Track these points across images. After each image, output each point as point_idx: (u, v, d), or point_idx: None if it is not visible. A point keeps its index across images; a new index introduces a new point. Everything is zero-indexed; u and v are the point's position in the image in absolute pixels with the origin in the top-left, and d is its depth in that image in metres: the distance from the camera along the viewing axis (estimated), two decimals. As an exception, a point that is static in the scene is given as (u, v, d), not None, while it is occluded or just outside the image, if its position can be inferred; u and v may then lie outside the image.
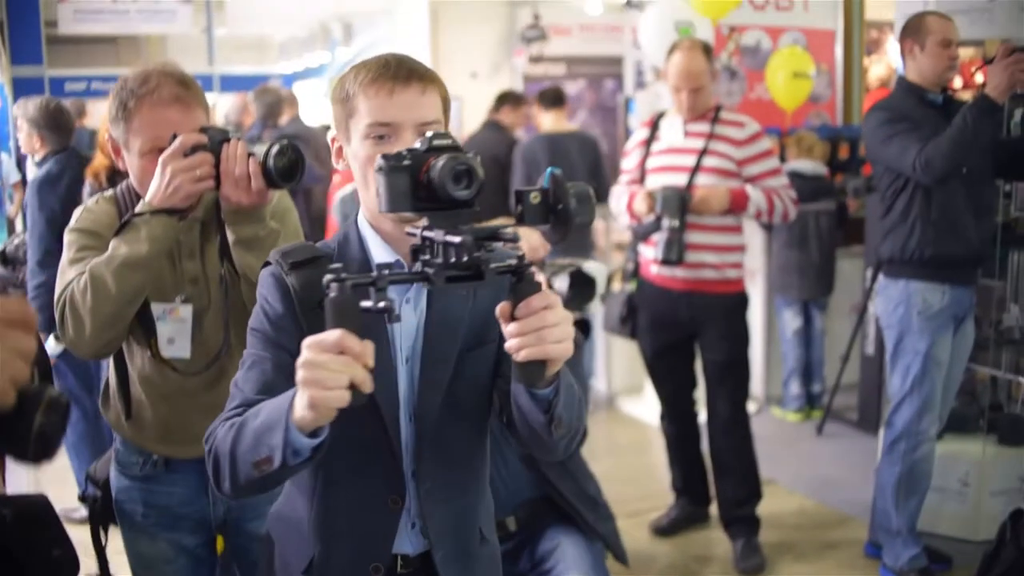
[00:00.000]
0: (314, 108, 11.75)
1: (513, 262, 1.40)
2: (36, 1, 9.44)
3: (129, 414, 2.29)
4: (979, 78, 3.69)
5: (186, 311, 2.20)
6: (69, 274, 2.12)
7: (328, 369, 1.32)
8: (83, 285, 2.05)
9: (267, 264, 1.69)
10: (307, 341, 1.34)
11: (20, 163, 6.30)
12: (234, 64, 14.04)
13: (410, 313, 1.66)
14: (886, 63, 8.11)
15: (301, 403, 1.36)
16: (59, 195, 4.17)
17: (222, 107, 9.64)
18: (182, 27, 10.21)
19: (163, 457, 2.29)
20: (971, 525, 4.22)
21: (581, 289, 2.99)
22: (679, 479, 4.56)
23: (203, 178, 2.05)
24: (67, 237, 2.22)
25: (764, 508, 4.36)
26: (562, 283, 2.95)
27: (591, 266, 3.14)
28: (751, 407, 4.43)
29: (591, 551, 2.89)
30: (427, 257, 1.38)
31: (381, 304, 1.33)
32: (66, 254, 2.19)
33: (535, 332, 1.40)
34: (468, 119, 9.29)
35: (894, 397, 3.87)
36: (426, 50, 10.32)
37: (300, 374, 1.34)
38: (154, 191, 2.06)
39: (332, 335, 1.32)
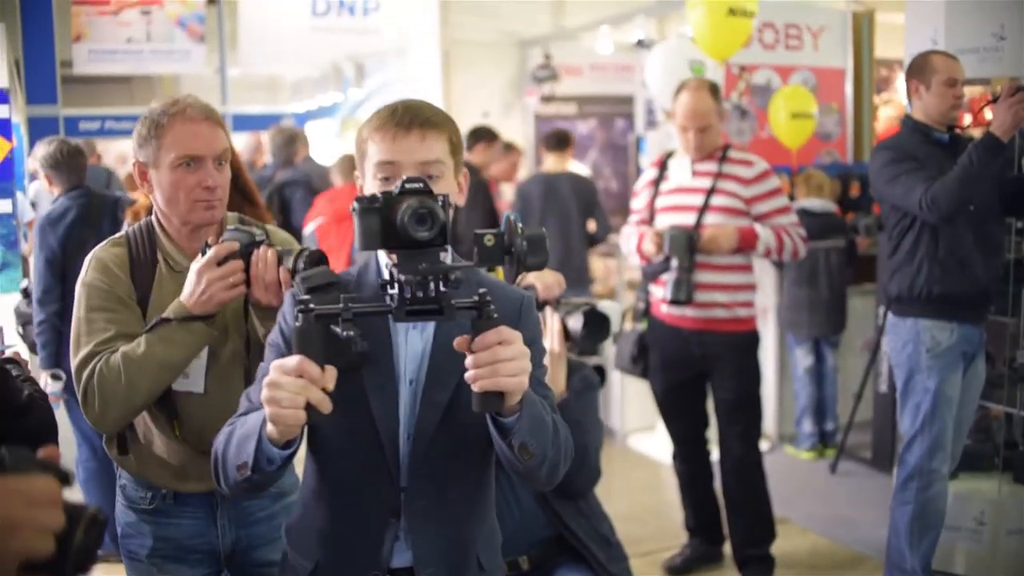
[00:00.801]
0: (326, 147, 11.80)
1: (475, 299, 1.50)
2: (51, 41, 9.56)
3: (127, 450, 2.32)
4: (988, 115, 3.70)
5: (202, 352, 2.25)
6: (88, 345, 2.18)
7: (286, 390, 1.47)
8: (115, 372, 2.12)
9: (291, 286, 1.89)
10: (273, 364, 1.50)
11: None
12: (247, 104, 14.16)
13: (417, 338, 1.77)
14: (897, 103, 8.14)
15: (268, 418, 1.52)
16: (58, 235, 4.30)
17: (237, 146, 9.71)
18: (195, 67, 10.31)
19: (172, 491, 2.31)
20: (987, 565, 4.17)
21: (595, 328, 2.98)
22: (692, 518, 4.53)
23: (235, 285, 2.15)
24: (79, 291, 2.25)
25: (777, 547, 4.33)
26: (576, 322, 2.93)
27: (606, 305, 3.14)
28: (764, 446, 4.40)
29: None
30: (394, 291, 1.48)
31: (348, 333, 1.46)
32: (80, 312, 2.23)
33: (489, 365, 1.50)
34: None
35: (905, 435, 3.85)
36: (438, 90, 10.39)
37: (263, 393, 1.49)
38: (188, 295, 2.14)
39: (292, 360, 1.48)
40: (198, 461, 2.24)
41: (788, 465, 6.01)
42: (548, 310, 2.94)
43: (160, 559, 2.32)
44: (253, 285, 2.16)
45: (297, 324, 1.48)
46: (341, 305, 1.48)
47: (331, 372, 1.50)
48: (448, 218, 1.50)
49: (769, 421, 6.31)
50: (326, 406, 1.49)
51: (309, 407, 1.48)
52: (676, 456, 4.50)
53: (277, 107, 16.50)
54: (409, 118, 1.76)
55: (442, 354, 1.74)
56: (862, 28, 7.55)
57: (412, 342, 1.76)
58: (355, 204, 1.52)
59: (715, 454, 4.39)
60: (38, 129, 9.00)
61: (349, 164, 6.78)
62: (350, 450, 1.76)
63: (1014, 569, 4.13)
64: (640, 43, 8.56)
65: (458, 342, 1.54)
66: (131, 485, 2.35)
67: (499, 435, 1.62)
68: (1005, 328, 4.21)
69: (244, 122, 11.80)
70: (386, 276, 1.56)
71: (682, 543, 4.55)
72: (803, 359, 6.14)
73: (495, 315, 1.52)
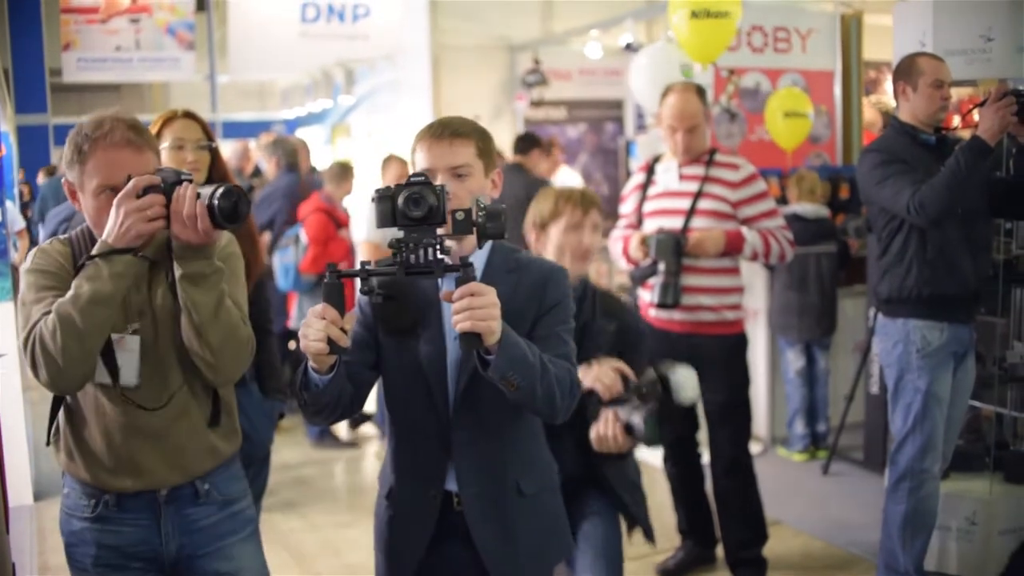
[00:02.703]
0: (316, 154, 11.82)
1: (459, 262, 1.95)
2: (40, 50, 9.56)
3: (76, 451, 2.32)
4: (976, 117, 3.71)
5: (133, 342, 2.26)
6: (33, 314, 2.19)
7: (313, 328, 1.96)
8: (51, 325, 2.12)
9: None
10: (311, 310, 1.97)
11: (24, 210, 6.35)
12: (237, 111, 14.16)
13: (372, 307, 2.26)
14: (879, 104, 8.16)
15: (302, 349, 2.00)
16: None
17: (225, 153, 9.69)
18: (185, 74, 10.32)
19: (114, 496, 2.30)
20: (979, 564, 4.18)
21: (664, 419, 2.97)
22: (684, 521, 4.54)
23: (154, 218, 2.15)
24: (24, 278, 2.27)
25: (770, 549, 4.33)
26: (637, 419, 2.90)
27: (681, 377, 3.15)
28: (755, 448, 4.41)
29: (614, 532, 3.09)
30: (400, 257, 1.93)
31: (365, 288, 2.05)
32: (25, 294, 2.25)
33: (464, 311, 1.91)
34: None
35: (896, 436, 3.85)
36: (428, 96, 10.40)
37: (300, 331, 1.99)
38: (109, 230, 2.15)
39: (319, 307, 1.96)
40: (131, 453, 2.27)
41: (780, 467, 6.02)
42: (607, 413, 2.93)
43: (104, 567, 2.31)
44: (173, 221, 2.16)
45: (324, 281, 1.96)
46: (359, 268, 1.99)
47: (350, 316, 2.00)
48: (442, 203, 1.93)
49: (761, 423, 6.32)
50: (344, 341, 1.96)
51: (331, 342, 1.94)
52: (667, 459, 4.50)
53: (267, 114, 16.51)
54: (440, 130, 2.21)
55: None
56: (850, 30, 7.58)
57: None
58: (373, 194, 1.97)
59: (706, 457, 4.40)
60: (27, 138, 9.00)
61: (340, 171, 6.83)
62: (410, 397, 2.26)
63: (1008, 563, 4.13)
64: (629, 47, 8.58)
65: (443, 294, 2.00)
66: (74, 494, 2.35)
67: (482, 368, 2.01)
68: (995, 328, 4.23)
69: (234, 129, 11.79)
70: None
71: (675, 546, 4.55)
72: (794, 361, 6.15)
73: (474, 276, 1.95)
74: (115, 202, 2.14)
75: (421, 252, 1.91)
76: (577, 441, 2.95)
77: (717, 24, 5.35)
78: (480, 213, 1.98)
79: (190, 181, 2.19)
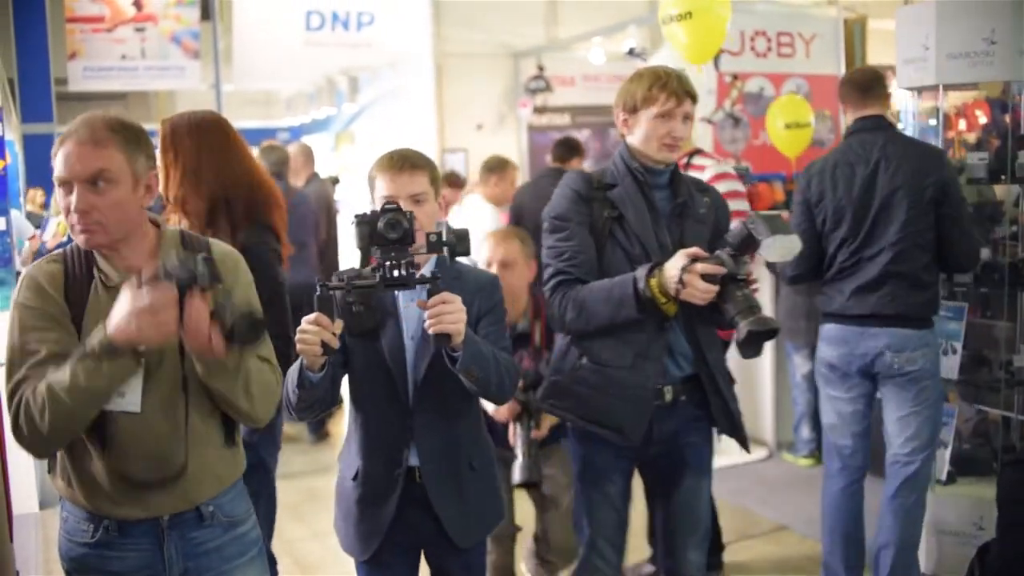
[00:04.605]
0: (321, 162, 11.85)
1: (429, 276, 2.36)
2: (46, 59, 9.59)
3: (75, 479, 2.24)
4: (981, 119, 3.70)
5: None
6: (20, 368, 2.12)
7: (308, 333, 2.27)
8: (40, 402, 2.04)
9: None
10: (304, 318, 2.27)
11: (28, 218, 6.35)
12: (242, 119, 14.17)
13: (414, 309, 2.56)
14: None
15: (299, 352, 2.32)
16: None
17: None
18: (190, 83, 10.33)
19: (116, 521, 2.23)
20: (987, 569, 4.17)
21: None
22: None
23: (167, 328, 2.02)
24: (11, 311, 2.19)
25: (775, 554, 4.33)
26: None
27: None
28: (760, 452, 4.39)
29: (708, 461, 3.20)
30: (380, 273, 2.29)
31: (350, 299, 2.31)
32: (12, 330, 2.17)
33: (436, 316, 2.31)
34: (473, 170, 9.34)
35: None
36: (431, 103, 10.41)
37: (296, 336, 2.29)
38: (116, 323, 2.02)
39: (313, 315, 2.26)
40: (130, 484, 2.19)
41: (786, 472, 6.01)
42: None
43: None
44: (186, 332, 2.05)
45: (316, 295, 2.26)
46: (344, 281, 2.29)
47: (338, 323, 2.29)
48: (411, 227, 2.30)
49: (767, 428, 6.31)
50: (334, 344, 2.28)
51: (324, 344, 2.26)
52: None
53: (272, 122, 16.55)
54: (401, 162, 2.59)
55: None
56: (854, 35, 7.58)
57: (411, 312, 2.60)
58: (352, 217, 2.31)
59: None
60: (33, 147, 9.02)
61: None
62: (375, 390, 2.63)
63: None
64: (631, 53, 8.59)
65: (418, 302, 2.38)
66: (73, 519, 2.28)
67: (450, 363, 2.41)
68: (1001, 332, 4.22)
69: (239, 137, 11.76)
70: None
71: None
72: (801, 366, 6.13)
73: (442, 287, 2.33)
74: (126, 291, 2.02)
75: (398, 268, 2.28)
76: (690, 341, 2.99)
77: (703, 24, 5.26)
78: (450, 235, 2.37)
79: (204, 287, 2.06)
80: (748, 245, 2.73)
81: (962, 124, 4.52)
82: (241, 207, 3.12)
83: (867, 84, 3.92)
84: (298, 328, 2.26)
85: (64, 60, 9.85)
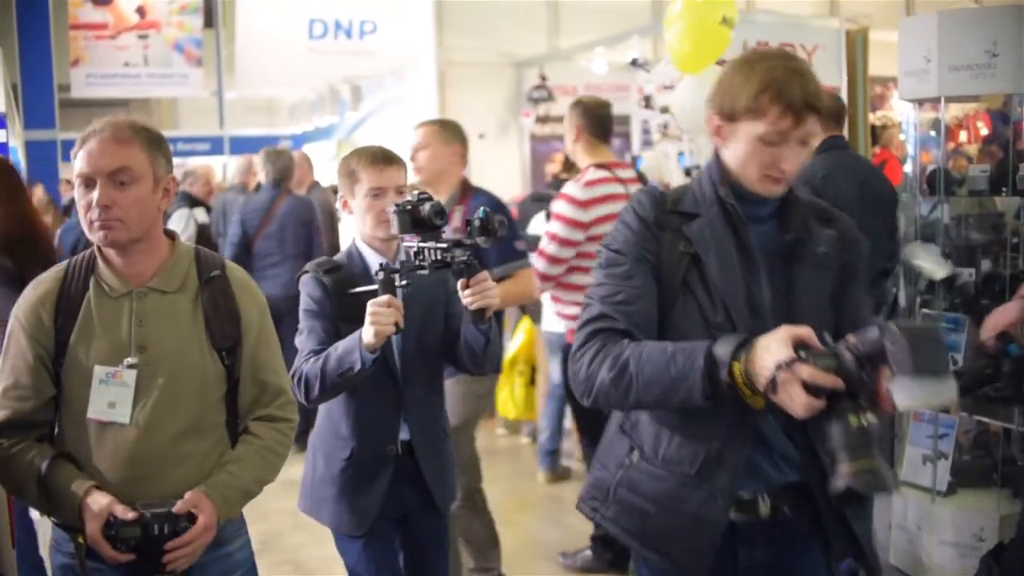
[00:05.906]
0: (323, 169, 11.87)
1: (467, 259, 2.56)
2: (49, 66, 9.61)
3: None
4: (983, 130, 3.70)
5: (130, 376, 2.16)
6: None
7: (383, 315, 2.53)
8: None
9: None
10: (371, 301, 2.55)
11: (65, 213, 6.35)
12: (244, 127, 14.20)
13: (398, 299, 2.71)
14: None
15: (368, 334, 2.56)
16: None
17: (230, 168, 9.73)
18: (193, 91, 10.38)
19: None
20: (987, 581, 4.16)
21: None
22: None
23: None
24: (11, 321, 2.22)
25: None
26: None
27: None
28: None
29: None
30: (421, 259, 2.57)
31: (404, 281, 2.56)
32: (6, 340, 2.22)
33: (480, 293, 2.58)
34: (475, 180, 9.34)
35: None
36: (434, 111, 10.42)
37: (369, 318, 2.54)
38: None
39: (385, 298, 2.54)
40: (123, 498, 2.13)
41: None
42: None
43: None
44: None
45: (379, 278, 2.55)
46: (400, 265, 2.58)
47: (401, 304, 2.57)
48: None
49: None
50: (402, 323, 2.56)
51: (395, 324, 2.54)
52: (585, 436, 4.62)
53: (274, 129, 16.57)
54: (384, 157, 2.85)
55: (413, 307, 2.73)
56: (856, 46, 7.58)
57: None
58: (393, 207, 2.58)
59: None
60: (36, 153, 9.04)
61: None
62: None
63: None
64: (634, 63, 8.59)
65: (461, 283, 2.60)
66: (60, 540, 2.25)
67: (480, 336, 2.71)
68: (1001, 343, 4.21)
69: (242, 144, 11.80)
70: (370, 262, 2.80)
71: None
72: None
73: (479, 269, 2.58)
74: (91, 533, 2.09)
75: (440, 252, 2.53)
76: (791, 439, 2.15)
77: (703, 34, 5.23)
78: (493, 220, 2.53)
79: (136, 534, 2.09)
80: (878, 362, 1.81)
81: (963, 136, 4.52)
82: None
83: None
84: (369, 312, 2.52)
85: (67, 67, 9.88)
